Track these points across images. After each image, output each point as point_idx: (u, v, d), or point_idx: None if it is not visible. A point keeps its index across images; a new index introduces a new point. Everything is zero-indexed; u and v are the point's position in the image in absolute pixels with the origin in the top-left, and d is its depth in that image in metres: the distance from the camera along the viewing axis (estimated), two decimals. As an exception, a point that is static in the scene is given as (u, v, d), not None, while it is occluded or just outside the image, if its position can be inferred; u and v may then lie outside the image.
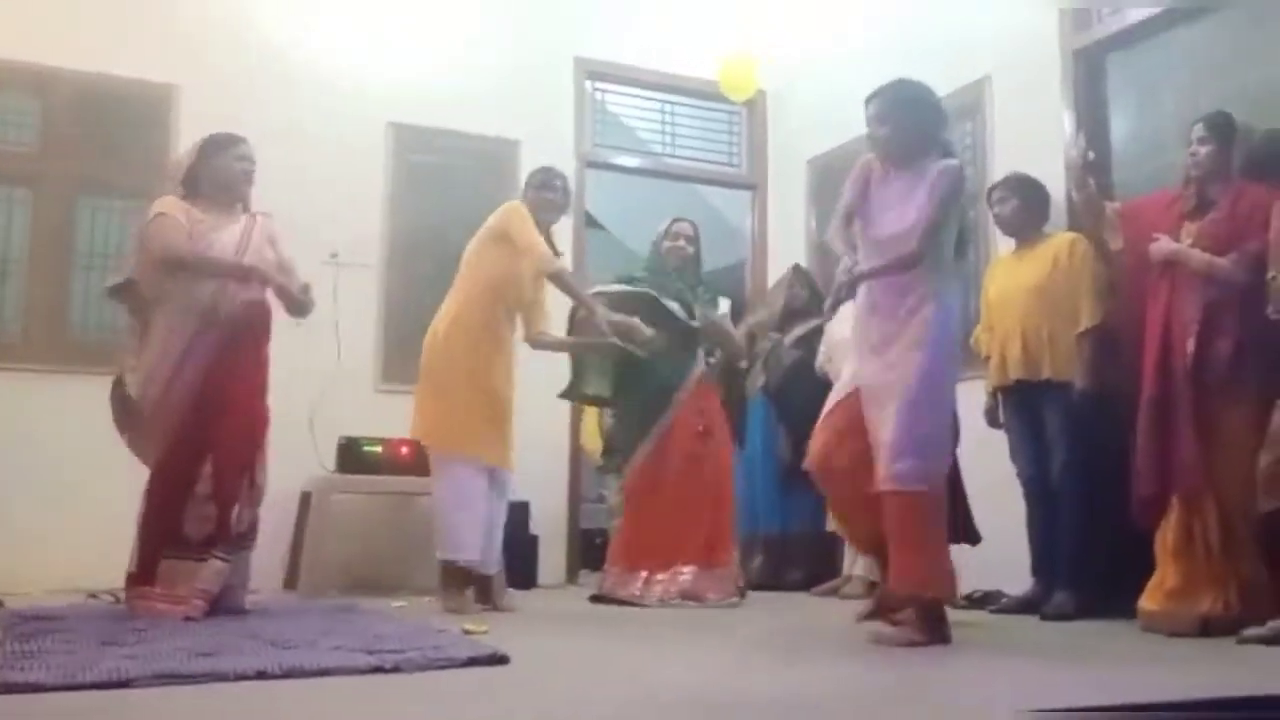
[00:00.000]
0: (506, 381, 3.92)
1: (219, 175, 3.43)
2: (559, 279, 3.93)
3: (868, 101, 3.11)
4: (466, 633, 2.87)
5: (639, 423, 4.27)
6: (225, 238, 3.39)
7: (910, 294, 2.96)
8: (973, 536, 3.96)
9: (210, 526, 3.22)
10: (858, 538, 3.30)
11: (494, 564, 3.86)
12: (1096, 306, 3.75)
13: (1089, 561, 3.69)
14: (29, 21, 4.61)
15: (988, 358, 3.98)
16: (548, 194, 4.00)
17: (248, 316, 3.39)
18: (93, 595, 3.75)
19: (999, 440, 3.95)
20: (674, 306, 4.25)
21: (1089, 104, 4.26)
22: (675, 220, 4.48)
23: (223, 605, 3.22)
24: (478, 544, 3.75)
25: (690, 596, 4.06)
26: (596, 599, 4.16)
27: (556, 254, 3.96)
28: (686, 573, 4.11)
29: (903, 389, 2.89)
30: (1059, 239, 3.93)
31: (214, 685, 2.06)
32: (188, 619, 3.05)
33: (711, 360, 4.41)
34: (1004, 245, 4.25)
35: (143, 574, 3.23)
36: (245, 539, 3.33)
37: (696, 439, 4.23)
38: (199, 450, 3.26)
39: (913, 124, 3.05)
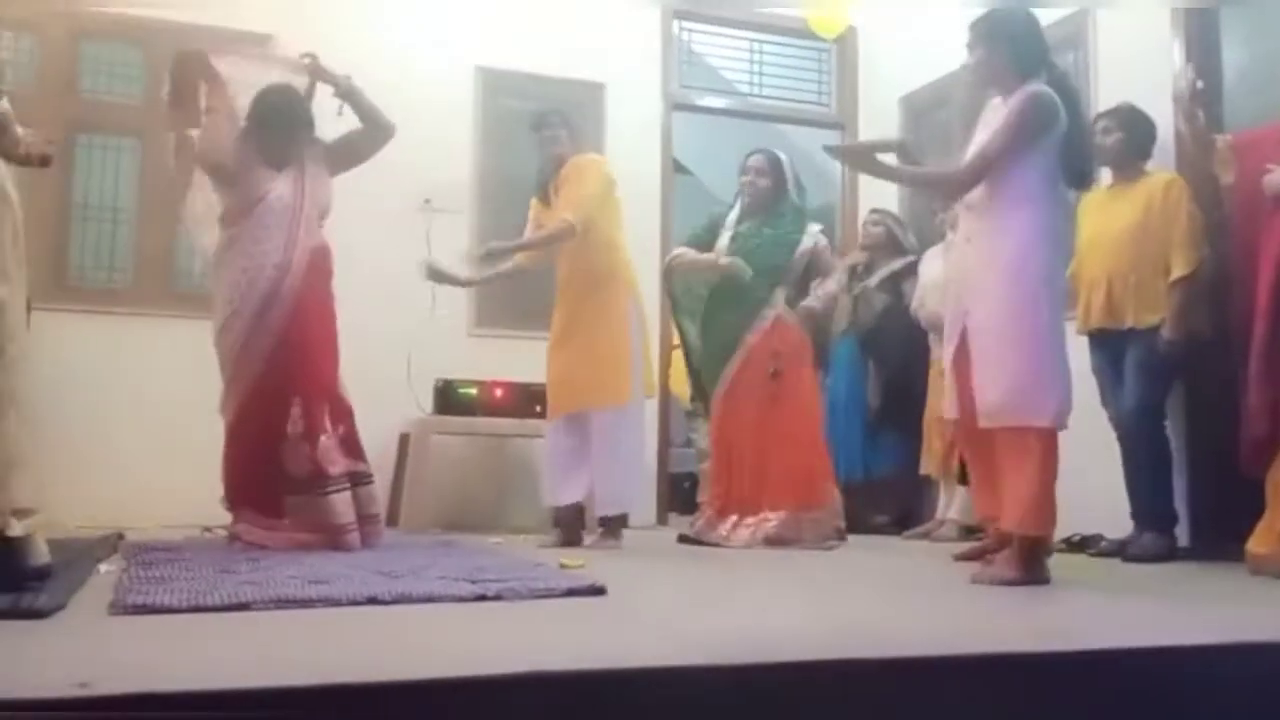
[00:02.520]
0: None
1: None
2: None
3: (969, 28, 3.07)
4: (563, 566, 2.94)
5: (713, 365, 4.29)
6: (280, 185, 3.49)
7: (998, 223, 2.90)
8: None
9: (309, 465, 3.31)
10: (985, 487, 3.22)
11: (562, 499, 3.94)
12: (1190, 254, 3.63)
13: (1170, 501, 3.66)
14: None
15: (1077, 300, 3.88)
16: (538, 132, 4.03)
17: (315, 261, 3.47)
18: (207, 529, 3.91)
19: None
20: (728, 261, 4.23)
21: (1199, 33, 4.06)
22: (749, 154, 4.42)
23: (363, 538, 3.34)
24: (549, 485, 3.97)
25: (778, 542, 4.04)
26: (684, 539, 4.18)
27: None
28: (774, 519, 4.10)
29: (1000, 322, 2.84)
30: (1156, 179, 3.79)
31: (328, 610, 2.15)
32: (345, 550, 3.19)
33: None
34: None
35: (267, 507, 3.34)
36: (354, 474, 3.40)
37: (768, 382, 4.18)
38: (284, 393, 3.34)
39: (1004, 51, 2.98)
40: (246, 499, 3.39)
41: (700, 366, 4.41)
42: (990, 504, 3.05)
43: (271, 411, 3.33)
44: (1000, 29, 3.01)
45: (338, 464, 3.33)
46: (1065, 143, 2.90)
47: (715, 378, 4.28)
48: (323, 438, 3.32)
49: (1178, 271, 3.63)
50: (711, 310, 4.31)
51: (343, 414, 3.44)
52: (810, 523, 4.13)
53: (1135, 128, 3.86)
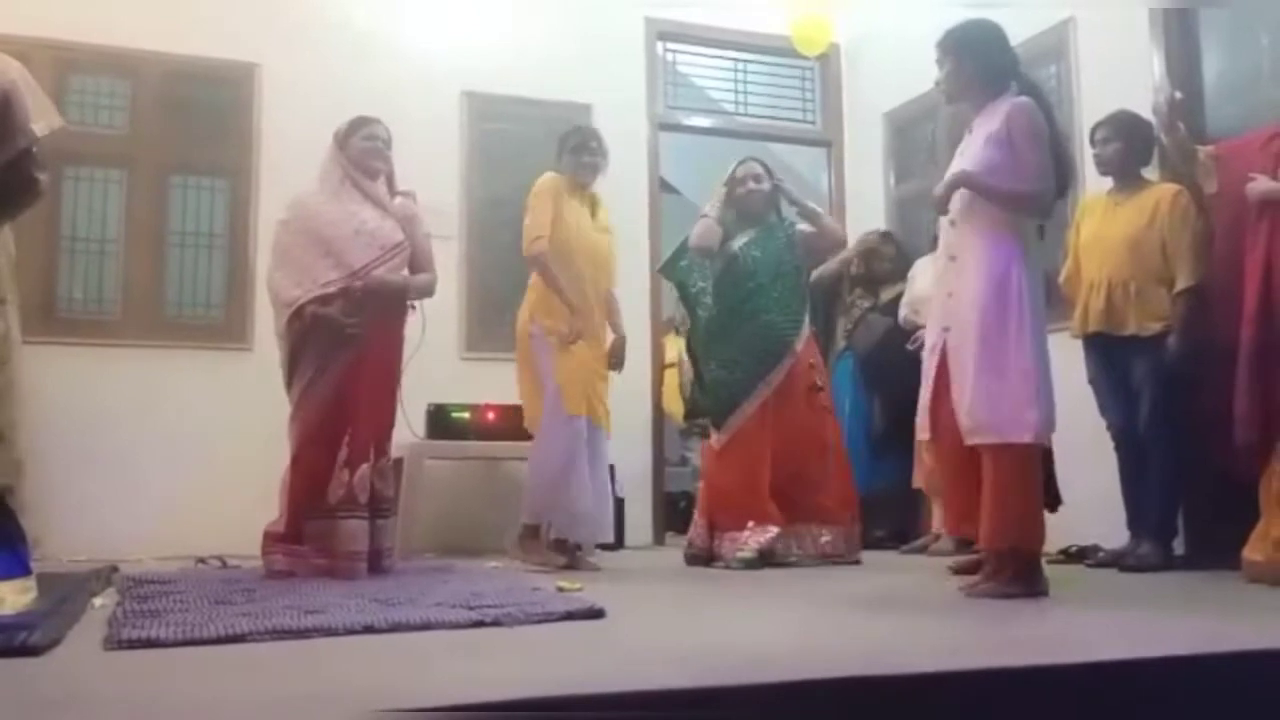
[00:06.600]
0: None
1: (353, 156, 3.58)
2: (535, 263, 3.93)
3: (937, 45, 3.10)
4: (560, 589, 2.93)
5: (746, 379, 4.07)
6: (365, 214, 3.52)
7: (977, 239, 2.92)
8: (1053, 500, 3.69)
9: (343, 490, 3.34)
10: (955, 504, 3.21)
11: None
12: (1195, 266, 3.61)
13: (1175, 513, 3.63)
14: (119, 7, 4.75)
15: (1073, 304, 3.89)
16: (585, 157, 4.03)
17: (388, 297, 3.53)
18: (201, 560, 3.89)
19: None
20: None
21: (1180, 42, 4.10)
22: (740, 164, 4.33)
23: (372, 567, 3.36)
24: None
25: (833, 557, 4.02)
26: (695, 559, 4.04)
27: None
28: (828, 533, 4.08)
29: (979, 338, 2.85)
30: (1161, 189, 3.78)
31: (324, 639, 2.14)
32: (348, 579, 3.18)
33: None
34: (1094, 185, 4.13)
35: (291, 534, 3.37)
36: (380, 504, 3.44)
37: (813, 395, 4.17)
38: (344, 421, 3.38)
39: (972, 64, 3.01)
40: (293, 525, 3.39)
41: (722, 375, 4.15)
42: (965, 521, 3.04)
43: (330, 441, 3.37)
44: (966, 42, 3.04)
45: (367, 492, 3.37)
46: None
47: (748, 382, 4.06)
48: (363, 466, 3.37)
49: (1183, 282, 3.61)
50: (749, 313, 4.12)
51: (384, 447, 3.50)
52: (852, 536, 4.14)
53: (1134, 135, 3.84)
